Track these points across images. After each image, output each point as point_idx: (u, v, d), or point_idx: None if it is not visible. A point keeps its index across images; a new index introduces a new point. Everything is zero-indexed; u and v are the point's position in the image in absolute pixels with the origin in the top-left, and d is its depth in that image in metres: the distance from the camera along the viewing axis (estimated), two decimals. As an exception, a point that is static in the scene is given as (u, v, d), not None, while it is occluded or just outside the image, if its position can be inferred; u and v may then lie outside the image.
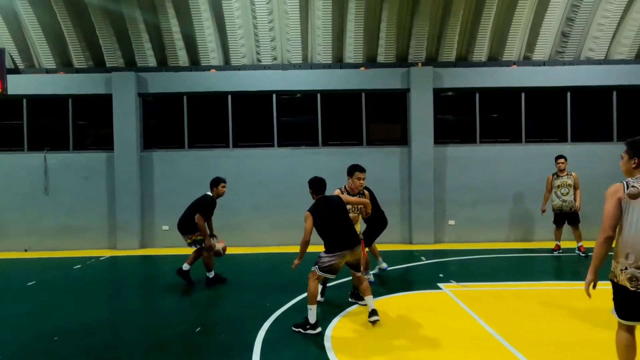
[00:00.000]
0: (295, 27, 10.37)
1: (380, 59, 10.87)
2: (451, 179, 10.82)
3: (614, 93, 10.84)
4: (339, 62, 10.94)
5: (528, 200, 10.66)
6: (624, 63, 10.76)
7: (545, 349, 4.34)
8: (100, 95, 10.71)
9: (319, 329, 4.84)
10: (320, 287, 5.63)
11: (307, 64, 10.89)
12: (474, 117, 10.91)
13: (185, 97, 10.88)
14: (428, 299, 6.16)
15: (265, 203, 10.68)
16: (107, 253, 10.27)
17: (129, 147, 10.59)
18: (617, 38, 10.66)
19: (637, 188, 3.18)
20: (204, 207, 6.95)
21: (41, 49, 10.73)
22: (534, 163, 10.53)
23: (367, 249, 6.69)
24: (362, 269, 5.31)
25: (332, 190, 5.67)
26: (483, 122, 10.93)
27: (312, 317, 4.83)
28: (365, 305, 5.84)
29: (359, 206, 5.72)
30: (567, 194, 8.82)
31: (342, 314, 5.53)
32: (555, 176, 8.99)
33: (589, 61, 10.84)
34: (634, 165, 3.29)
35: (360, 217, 5.88)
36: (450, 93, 11.03)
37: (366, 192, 6.11)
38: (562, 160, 8.90)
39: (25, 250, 10.67)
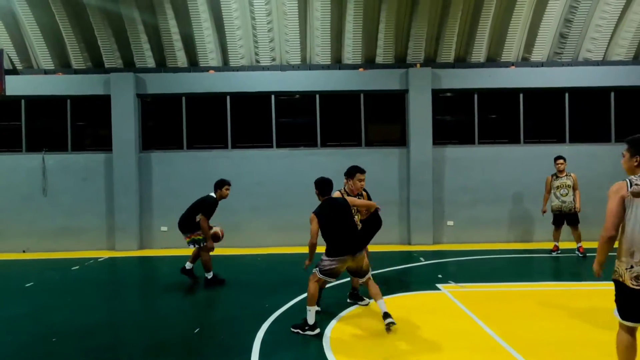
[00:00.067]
0: (293, 28, 10.38)
1: (379, 59, 10.88)
2: (450, 179, 10.83)
3: (612, 94, 10.86)
4: (337, 63, 10.95)
5: (527, 201, 10.67)
6: (622, 64, 10.79)
7: (544, 349, 4.34)
8: (99, 96, 10.69)
9: (317, 330, 4.83)
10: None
11: (305, 65, 10.90)
12: (473, 118, 10.93)
13: (183, 98, 10.87)
14: (427, 300, 6.15)
15: (263, 204, 10.67)
16: (105, 254, 10.25)
17: (127, 148, 10.58)
18: (614, 39, 10.69)
19: None
20: (206, 207, 6.95)
21: (39, 49, 10.72)
22: (533, 164, 10.54)
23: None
24: (368, 274, 5.12)
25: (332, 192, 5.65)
26: (481, 123, 10.95)
27: (311, 318, 4.83)
28: (365, 305, 5.84)
29: (362, 209, 5.67)
30: (567, 194, 8.82)
31: (340, 315, 5.51)
32: (554, 177, 8.99)
33: (587, 62, 10.87)
34: (635, 164, 3.29)
35: (358, 218, 5.86)
36: (448, 94, 11.04)
37: (364, 192, 6.10)
38: (561, 161, 8.89)
39: (24, 251, 10.64)
